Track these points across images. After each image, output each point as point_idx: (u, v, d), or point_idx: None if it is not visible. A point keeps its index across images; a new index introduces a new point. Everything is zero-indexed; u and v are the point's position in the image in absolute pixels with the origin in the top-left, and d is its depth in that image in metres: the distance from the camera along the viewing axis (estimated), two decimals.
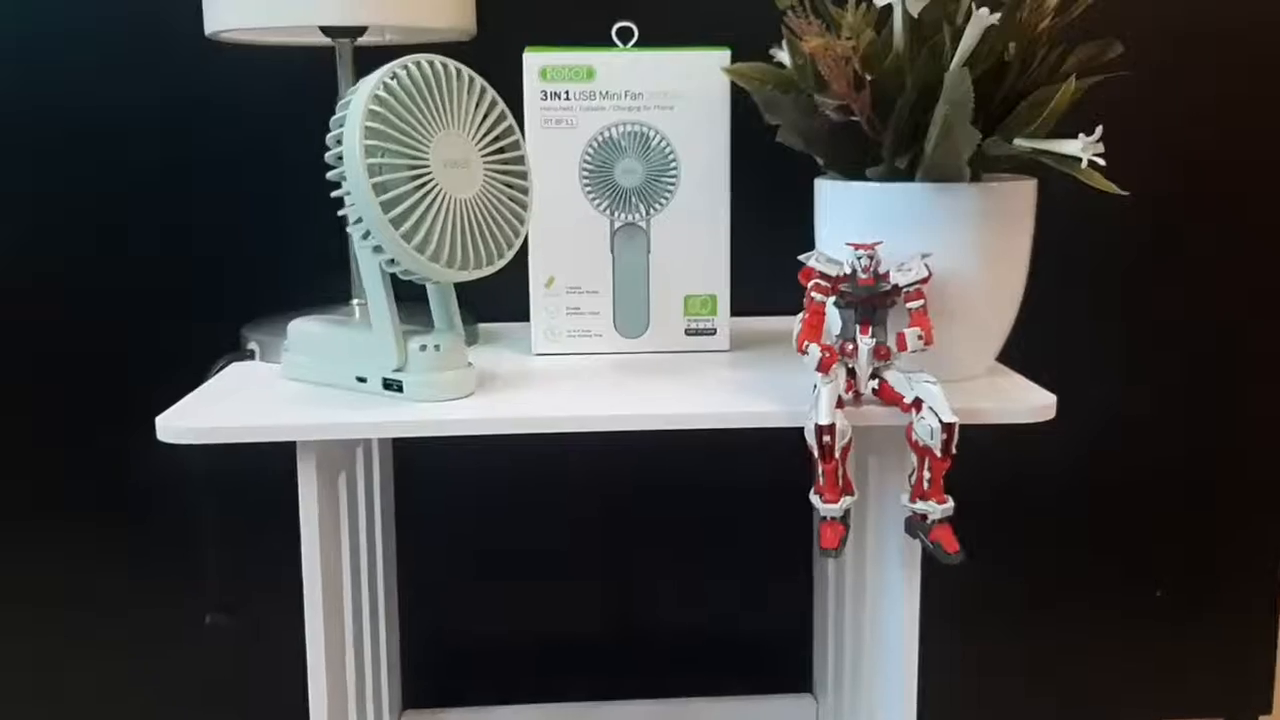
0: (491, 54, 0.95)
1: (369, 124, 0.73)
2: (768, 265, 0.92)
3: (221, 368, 0.94)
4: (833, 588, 1.09)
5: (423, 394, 0.79)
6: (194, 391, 0.85)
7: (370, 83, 0.74)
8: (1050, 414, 0.79)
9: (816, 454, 0.74)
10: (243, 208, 1.14)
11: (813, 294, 0.77)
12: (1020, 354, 0.87)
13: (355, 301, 1.01)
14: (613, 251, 0.94)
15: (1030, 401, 0.79)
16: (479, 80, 0.80)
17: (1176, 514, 1.25)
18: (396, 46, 1.06)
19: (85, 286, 1.14)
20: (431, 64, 0.77)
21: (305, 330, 0.86)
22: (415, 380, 0.80)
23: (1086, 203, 0.82)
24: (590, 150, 0.92)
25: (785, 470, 0.85)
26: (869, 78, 0.78)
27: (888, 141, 0.78)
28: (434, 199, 0.75)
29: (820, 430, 0.73)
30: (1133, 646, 1.28)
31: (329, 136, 0.75)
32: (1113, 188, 0.71)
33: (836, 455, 0.74)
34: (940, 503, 0.75)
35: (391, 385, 0.80)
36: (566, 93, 0.91)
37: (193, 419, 0.76)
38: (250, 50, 1.06)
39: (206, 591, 1.10)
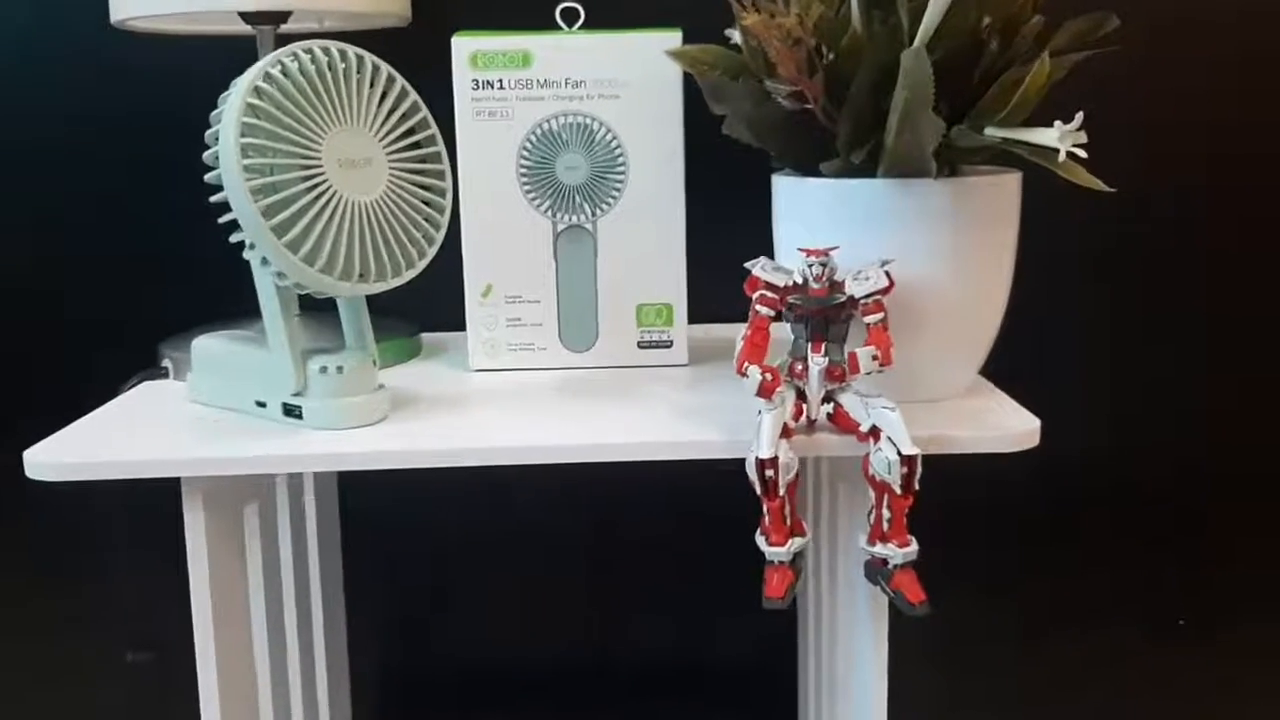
0: (428, 41, 0.86)
1: (246, 120, 0.65)
2: (730, 269, 0.82)
3: (133, 386, 0.87)
4: (812, 620, 1.00)
5: (323, 421, 0.71)
6: (86, 416, 0.77)
7: (250, 75, 0.66)
8: (1034, 441, 0.69)
9: (759, 490, 0.65)
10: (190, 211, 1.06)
11: (758, 307, 0.68)
12: (1007, 364, 0.77)
13: None
14: (556, 257, 0.85)
15: (1010, 427, 0.69)
16: (385, 68, 0.71)
17: (1178, 532, 1.14)
18: (325, 35, 0.97)
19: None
20: (326, 51, 0.68)
21: (207, 348, 0.78)
22: (315, 406, 0.71)
23: (1073, 197, 0.72)
24: (528, 145, 0.83)
25: None
26: (832, 57, 0.69)
27: (843, 132, 0.68)
28: (326, 203, 0.67)
29: (761, 464, 0.64)
30: (1134, 677, 1.17)
31: (207, 134, 0.67)
32: (1097, 183, 0.60)
33: (782, 492, 0.64)
34: (902, 545, 0.65)
35: (292, 411, 0.72)
36: (500, 81, 0.82)
37: (63, 452, 0.68)
38: (170, 42, 0.97)
39: (126, 626, 1.03)
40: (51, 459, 0.67)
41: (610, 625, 1.17)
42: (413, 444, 0.68)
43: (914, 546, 0.66)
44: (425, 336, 0.97)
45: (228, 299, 0.95)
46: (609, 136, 0.83)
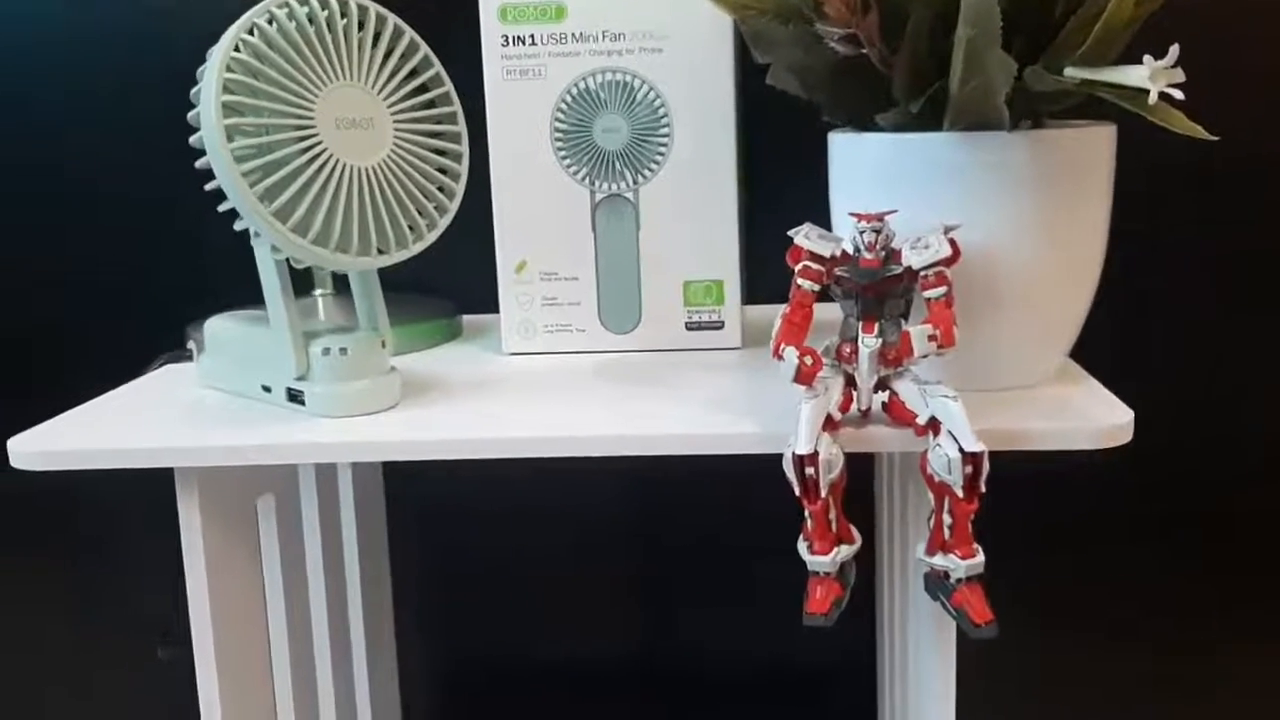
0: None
1: (229, 76, 0.59)
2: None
3: (158, 367, 0.82)
4: (887, 626, 0.91)
5: (324, 408, 0.65)
6: (92, 401, 0.72)
7: (235, 28, 0.60)
8: (1125, 436, 0.59)
9: (798, 491, 0.56)
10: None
11: (800, 281, 0.60)
12: (1106, 345, 0.67)
13: (317, 292, 0.87)
14: (595, 229, 0.77)
15: (1096, 419, 0.59)
16: (391, 19, 0.64)
17: None
18: None
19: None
20: (325, 2, 0.62)
21: (219, 330, 0.73)
22: (317, 392, 0.65)
23: (1169, 148, 0.61)
24: (564, 106, 0.76)
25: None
26: None
27: (899, 77, 0.59)
28: (319, 168, 0.60)
29: (800, 461, 0.55)
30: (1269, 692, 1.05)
31: (192, 92, 0.61)
32: (1197, 130, 0.51)
33: (824, 493, 0.56)
34: (966, 557, 0.56)
35: (295, 397, 0.66)
36: (532, 36, 0.75)
37: (53, 440, 0.63)
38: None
39: (159, 621, 0.99)
40: (37, 447, 0.63)
41: (671, 623, 1.09)
42: (419, 434, 0.61)
43: (980, 558, 0.56)
44: (467, 318, 0.91)
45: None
46: (651, 95, 0.75)
